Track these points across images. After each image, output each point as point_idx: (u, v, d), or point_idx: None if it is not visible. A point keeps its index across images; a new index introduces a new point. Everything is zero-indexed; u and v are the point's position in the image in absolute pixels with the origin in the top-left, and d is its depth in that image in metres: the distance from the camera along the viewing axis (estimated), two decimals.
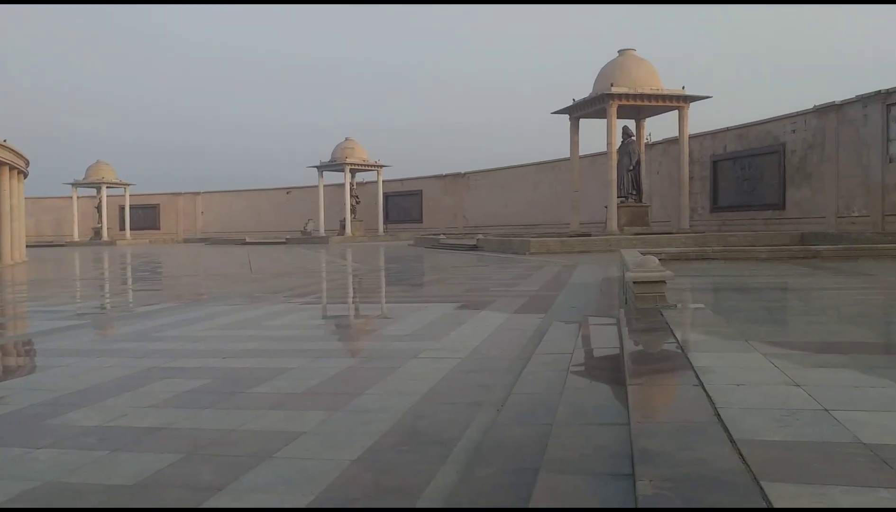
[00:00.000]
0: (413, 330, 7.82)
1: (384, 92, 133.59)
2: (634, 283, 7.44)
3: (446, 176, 53.32)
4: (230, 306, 10.84)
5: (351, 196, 50.39)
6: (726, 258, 16.35)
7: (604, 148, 29.30)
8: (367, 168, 51.92)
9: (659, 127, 44.23)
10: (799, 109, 27.44)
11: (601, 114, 28.77)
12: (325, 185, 51.99)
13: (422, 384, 4.93)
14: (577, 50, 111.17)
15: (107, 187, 59.21)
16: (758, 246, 20.26)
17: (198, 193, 65.77)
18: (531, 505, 2.67)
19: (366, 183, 54.43)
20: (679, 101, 28.73)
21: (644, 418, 3.43)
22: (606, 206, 28.76)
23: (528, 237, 26.39)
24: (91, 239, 58.23)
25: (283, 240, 47.83)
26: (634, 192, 29.72)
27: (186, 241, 59.41)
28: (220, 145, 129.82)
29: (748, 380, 3.94)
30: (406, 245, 37.58)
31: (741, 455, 2.64)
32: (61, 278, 20.91)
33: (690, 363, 4.35)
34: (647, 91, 27.98)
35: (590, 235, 27.45)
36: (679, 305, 7.31)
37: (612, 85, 27.60)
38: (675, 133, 30.23)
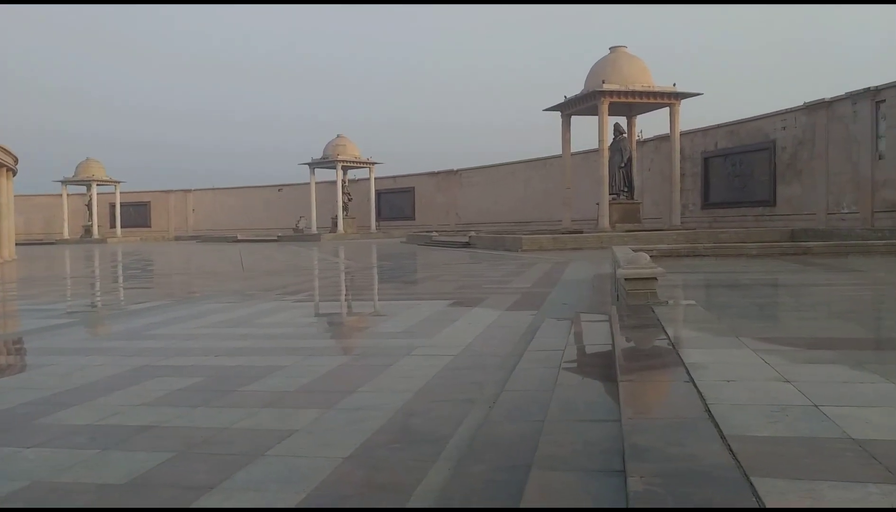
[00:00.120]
0: (405, 327, 7.82)
1: (376, 89, 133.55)
2: (626, 279, 7.47)
3: (439, 173, 53.28)
4: (222, 304, 10.81)
5: (343, 193, 50.27)
6: (717, 255, 16.43)
7: (595, 145, 29.35)
8: (359, 165, 51.81)
9: (650, 124, 44.44)
10: (789, 106, 27.58)
11: (593, 111, 28.80)
12: (316, 183, 51.82)
13: (414, 382, 4.94)
14: (570, 47, 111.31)
15: (97, 185, 58.83)
16: (748, 242, 20.37)
17: (189, 191, 65.47)
18: (523, 502, 2.68)
19: (358, 180, 54.34)
20: (670, 98, 28.79)
21: (635, 415, 3.44)
22: (598, 203, 28.81)
23: (520, 234, 26.40)
24: (81, 237, 57.90)
25: (275, 237, 47.73)
26: (626, 189, 29.79)
27: (178, 238, 59.19)
28: (211, 142, 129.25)
29: (739, 376, 3.97)
30: (398, 242, 37.55)
31: (731, 451, 2.66)
32: (51, 276, 20.78)
33: (681, 359, 4.38)
34: (638, 88, 28.03)
35: (582, 232, 27.51)
36: (670, 302, 7.33)
37: (603, 82, 27.63)
38: (667, 130, 30.30)
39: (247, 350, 6.55)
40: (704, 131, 32.18)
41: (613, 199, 29.12)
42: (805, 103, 26.56)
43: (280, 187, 61.04)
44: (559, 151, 32.30)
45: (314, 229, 49.99)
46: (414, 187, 54.68)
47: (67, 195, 59.70)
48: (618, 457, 2.99)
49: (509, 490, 2.89)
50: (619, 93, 27.77)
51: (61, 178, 59.19)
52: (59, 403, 4.65)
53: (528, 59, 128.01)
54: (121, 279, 19.40)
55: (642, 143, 34.35)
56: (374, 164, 51.86)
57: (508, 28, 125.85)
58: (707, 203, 31.98)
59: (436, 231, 39.84)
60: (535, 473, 2.94)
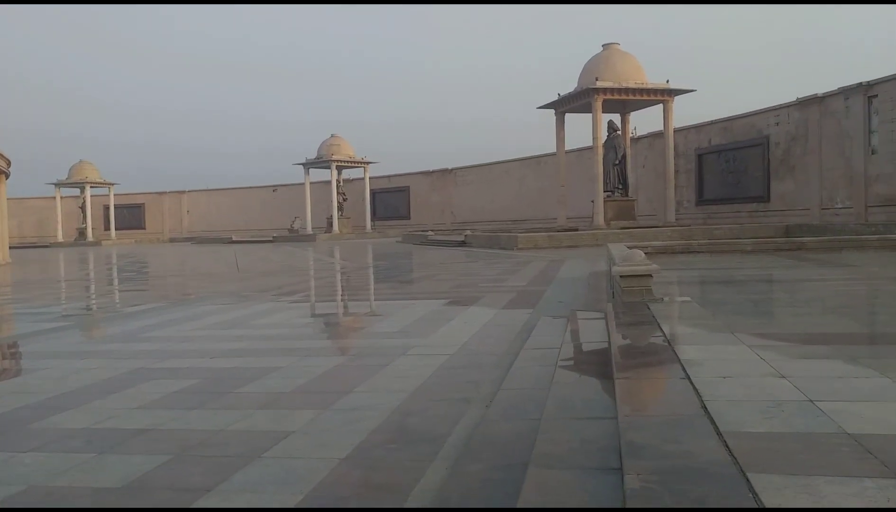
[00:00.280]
0: (401, 327, 7.82)
1: (370, 88, 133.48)
2: (621, 277, 7.48)
3: (433, 172, 53.29)
4: (217, 306, 10.79)
5: (338, 193, 50.25)
6: (712, 251, 16.46)
7: (590, 142, 29.38)
8: (353, 165, 51.78)
9: (644, 121, 44.41)
10: (782, 102, 27.65)
11: (586, 108, 28.84)
12: (311, 183, 51.79)
13: (410, 381, 4.94)
14: (563, 45, 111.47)
15: (91, 187, 58.68)
16: (743, 238, 20.41)
17: (183, 192, 65.33)
18: (520, 501, 2.68)
19: (353, 180, 54.30)
20: (664, 95, 28.84)
21: (632, 412, 3.45)
22: (593, 201, 28.84)
23: (515, 232, 26.43)
24: (76, 239, 57.75)
25: (271, 238, 47.68)
26: (620, 187, 29.83)
27: (172, 240, 59.03)
28: (205, 143, 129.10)
29: (734, 372, 3.98)
30: (394, 242, 37.53)
31: (727, 447, 2.66)
32: (46, 280, 20.71)
33: (677, 356, 4.38)
34: (631, 85, 28.07)
35: (577, 230, 27.54)
36: (666, 299, 7.35)
37: (596, 79, 27.66)
38: (661, 127, 30.36)
39: (242, 352, 6.54)
40: (698, 128, 32.25)
41: (608, 196, 29.16)
42: (798, 99, 26.64)
43: (275, 188, 60.97)
44: (553, 149, 32.34)
45: (309, 230, 49.95)
46: (409, 187, 54.68)
47: (61, 198, 59.48)
48: (615, 454, 2.99)
49: (507, 489, 2.89)
50: (612, 90, 27.80)
51: (54, 181, 58.98)
52: (54, 406, 4.64)
53: (521, 57, 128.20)
54: (115, 282, 19.35)
55: (636, 140, 34.42)
56: (368, 163, 51.85)
57: (502, 26, 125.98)
58: (701, 199, 32.05)
59: (431, 230, 39.89)
60: (533, 472, 2.94)
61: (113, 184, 60.37)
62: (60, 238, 57.54)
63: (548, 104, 30.72)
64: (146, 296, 14.19)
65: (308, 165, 50.94)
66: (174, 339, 7.56)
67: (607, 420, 3.57)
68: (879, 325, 6.73)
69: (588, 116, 28.92)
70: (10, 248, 31.45)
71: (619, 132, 30.22)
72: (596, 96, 27.73)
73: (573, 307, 8.45)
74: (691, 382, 3.69)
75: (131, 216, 63.68)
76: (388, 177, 55.68)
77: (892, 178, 22.66)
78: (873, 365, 4.20)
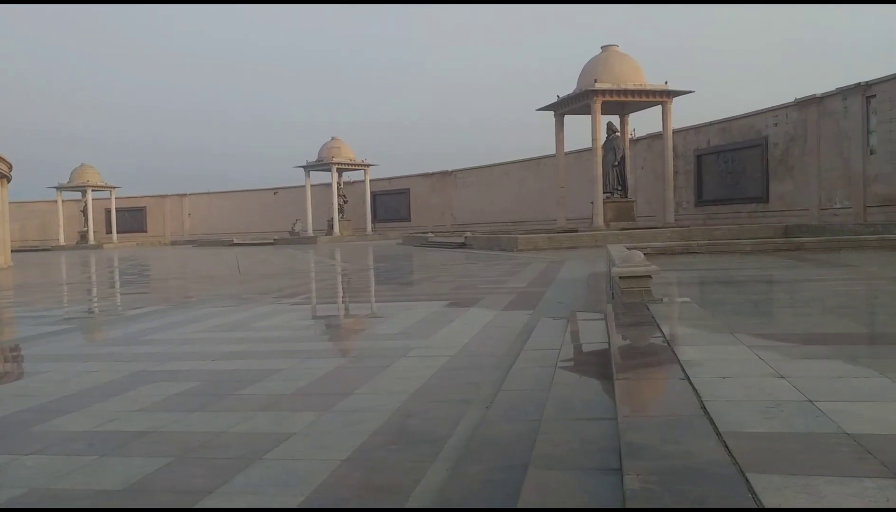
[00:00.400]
0: (402, 329, 7.83)
1: (370, 91, 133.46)
2: (621, 278, 7.49)
3: (434, 174, 53.30)
4: (219, 308, 10.80)
5: (338, 195, 50.25)
6: (711, 252, 16.46)
7: (589, 144, 29.40)
8: (354, 167, 51.79)
9: (643, 122, 44.40)
10: (781, 103, 27.66)
11: (585, 110, 28.85)
12: (312, 185, 51.82)
13: (411, 383, 4.94)
14: (563, 45, 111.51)
15: (92, 190, 58.71)
16: (742, 239, 20.41)
17: (184, 195, 65.35)
18: (520, 501, 2.69)
19: (353, 182, 54.30)
20: (662, 96, 28.85)
21: (631, 413, 3.46)
22: (592, 202, 28.85)
23: (515, 234, 26.44)
24: (77, 243, 57.72)
25: (272, 241, 47.66)
26: (620, 188, 29.84)
27: (174, 243, 59.06)
28: (205, 143, 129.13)
29: (734, 372, 3.98)
30: (394, 244, 37.55)
31: (727, 447, 2.67)
32: (48, 283, 20.73)
33: (677, 357, 4.39)
34: (630, 86, 28.09)
35: (576, 231, 27.56)
36: (665, 300, 7.35)
37: (595, 81, 27.68)
38: (659, 128, 30.37)
39: (243, 354, 6.55)
40: (697, 129, 32.27)
41: (607, 197, 29.18)
42: (796, 99, 26.65)
43: (275, 190, 60.99)
44: (553, 151, 32.35)
45: (310, 232, 49.97)
46: (409, 189, 54.70)
47: (62, 201, 59.48)
48: (615, 455, 3.00)
49: (507, 490, 2.90)
50: (611, 92, 27.83)
51: (56, 184, 58.99)
52: (56, 409, 4.65)
53: (521, 57, 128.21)
54: (117, 285, 19.36)
55: (635, 141, 34.45)
56: (368, 165, 51.87)
57: (502, 26, 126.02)
58: (700, 200, 32.06)
59: (431, 232, 39.90)
60: (533, 473, 2.95)
61: (114, 187, 60.40)
62: (62, 241, 57.55)
63: (547, 106, 30.74)
64: (147, 299, 14.20)
65: (309, 168, 50.97)
66: (175, 341, 7.57)
67: (607, 421, 3.58)
68: (879, 325, 6.74)
69: (587, 118, 28.94)
70: (11, 251, 31.46)
71: (619, 134, 30.23)
72: (595, 98, 27.75)
73: (573, 308, 8.46)
74: (691, 383, 3.70)
75: (133, 219, 63.71)
76: (389, 179, 55.71)
77: (891, 178, 22.67)
78: (873, 365, 4.20)
